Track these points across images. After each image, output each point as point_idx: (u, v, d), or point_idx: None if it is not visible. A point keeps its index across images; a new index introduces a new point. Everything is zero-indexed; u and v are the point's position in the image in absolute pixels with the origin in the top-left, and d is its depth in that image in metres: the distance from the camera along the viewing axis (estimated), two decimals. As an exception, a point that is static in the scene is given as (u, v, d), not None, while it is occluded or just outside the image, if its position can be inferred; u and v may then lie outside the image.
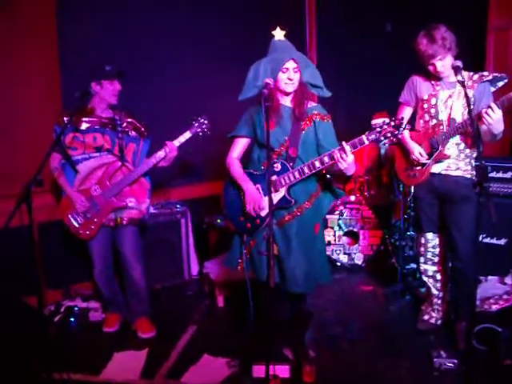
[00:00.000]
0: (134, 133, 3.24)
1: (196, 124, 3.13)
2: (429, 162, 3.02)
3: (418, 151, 3.04)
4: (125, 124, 3.21)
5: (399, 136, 2.45)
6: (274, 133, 2.67)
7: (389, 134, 2.42)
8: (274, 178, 2.68)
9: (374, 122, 4.51)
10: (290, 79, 2.59)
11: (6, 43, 3.57)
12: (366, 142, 2.46)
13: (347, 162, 2.47)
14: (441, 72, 2.87)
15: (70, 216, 3.19)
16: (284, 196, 2.67)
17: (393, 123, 2.40)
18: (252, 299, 2.86)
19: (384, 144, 4.43)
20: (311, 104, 2.75)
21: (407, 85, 3.16)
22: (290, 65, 2.59)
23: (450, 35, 2.79)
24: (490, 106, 2.66)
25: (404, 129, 2.40)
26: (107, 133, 3.16)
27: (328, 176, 2.87)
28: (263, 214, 2.73)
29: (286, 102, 2.72)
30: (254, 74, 2.67)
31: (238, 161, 2.88)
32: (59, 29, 3.75)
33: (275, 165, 2.68)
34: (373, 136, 2.44)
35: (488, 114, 2.66)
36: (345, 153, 2.45)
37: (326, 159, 2.55)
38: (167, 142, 3.13)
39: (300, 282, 2.71)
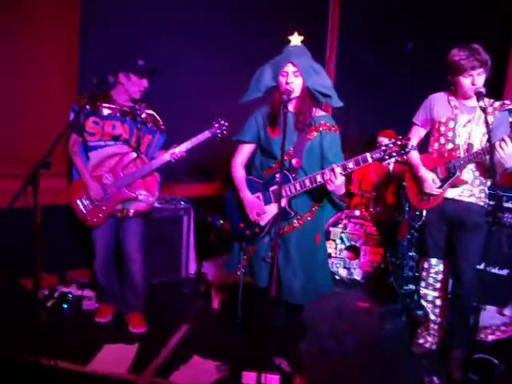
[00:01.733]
0: (151, 124, 3.21)
1: (216, 125, 3.13)
2: (443, 187, 2.97)
3: (431, 178, 2.98)
4: (144, 115, 3.18)
5: (404, 156, 2.39)
6: (277, 140, 2.63)
7: (394, 154, 2.36)
8: (275, 188, 2.66)
9: (379, 139, 4.53)
10: (288, 83, 2.53)
11: (24, 21, 3.56)
12: (370, 161, 2.40)
13: (335, 184, 2.43)
14: (473, 89, 2.76)
15: (78, 201, 3.16)
16: (284, 208, 2.62)
17: (399, 142, 2.34)
18: (241, 305, 2.84)
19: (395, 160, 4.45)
20: (319, 113, 2.68)
21: (424, 105, 3.10)
22: (289, 68, 2.53)
23: (488, 55, 2.74)
24: (503, 139, 2.62)
25: (410, 149, 2.34)
26: (127, 122, 3.13)
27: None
28: (262, 222, 2.70)
29: (292, 108, 2.64)
30: (257, 77, 2.66)
31: (241, 167, 2.84)
32: (82, 11, 3.74)
33: (277, 175, 2.65)
34: (377, 155, 2.38)
35: (501, 147, 2.62)
36: (334, 174, 2.42)
37: (319, 177, 2.51)
38: (174, 145, 3.12)
39: (297, 295, 2.70)
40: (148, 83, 3.11)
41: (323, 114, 2.71)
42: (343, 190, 2.58)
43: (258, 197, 2.71)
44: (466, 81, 2.80)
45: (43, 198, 2.54)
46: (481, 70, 2.73)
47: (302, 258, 2.70)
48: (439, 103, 3.01)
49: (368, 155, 2.40)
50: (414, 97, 3.17)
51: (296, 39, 2.63)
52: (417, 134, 3.16)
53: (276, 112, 2.63)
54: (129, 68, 3.04)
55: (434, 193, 2.99)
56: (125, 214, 3.18)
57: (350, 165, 2.42)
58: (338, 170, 2.42)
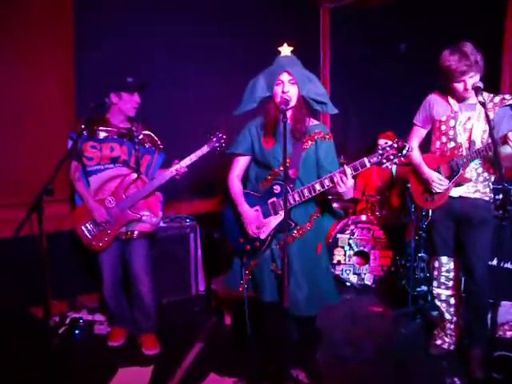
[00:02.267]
0: (149, 145, 3.22)
1: (214, 139, 3.10)
2: (449, 185, 2.96)
3: (436, 177, 2.97)
4: (141, 136, 3.19)
5: (402, 158, 2.38)
6: (271, 151, 2.63)
7: (391, 157, 2.35)
8: (273, 200, 2.64)
9: (379, 141, 4.53)
10: (285, 92, 2.52)
11: (20, 42, 3.57)
12: (368, 165, 2.40)
13: (346, 185, 2.42)
14: (468, 91, 2.77)
15: (83, 227, 3.14)
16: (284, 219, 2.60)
17: (395, 145, 2.33)
18: (249, 320, 2.81)
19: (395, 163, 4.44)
20: (313, 122, 2.69)
21: (423, 106, 3.10)
22: (284, 77, 2.53)
23: (479, 53, 2.73)
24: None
25: (408, 151, 2.33)
26: (125, 144, 3.13)
27: (330, 197, 2.83)
28: (263, 236, 2.68)
29: (288, 118, 2.59)
30: (251, 88, 2.65)
31: (238, 180, 2.82)
32: (76, 31, 3.76)
33: (274, 187, 2.64)
34: (374, 159, 2.38)
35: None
36: (345, 176, 2.40)
37: (327, 182, 2.48)
38: (176, 161, 3.12)
39: (301, 306, 2.65)
40: (140, 99, 3.11)
41: (316, 122, 2.71)
42: (352, 194, 2.55)
43: (257, 210, 2.69)
44: (459, 86, 2.81)
45: (48, 225, 2.54)
46: (472, 73, 2.73)
47: (304, 268, 2.67)
48: (438, 102, 3.01)
49: (366, 160, 2.40)
50: (414, 97, 3.17)
51: (286, 50, 2.63)
52: (418, 134, 3.16)
53: (271, 122, 2.63)
54: (118, 87, 3.04)
55: (442, 191, 2.97)
56: (129, 236, 3.16)
57: (348, 171, 2.41)
58: (349, 170, 2.40)
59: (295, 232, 2.67)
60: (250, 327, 2.83)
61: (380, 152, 2.36)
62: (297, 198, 2.57)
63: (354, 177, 2.44)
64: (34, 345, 2.94)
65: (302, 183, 2.61)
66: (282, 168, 2.58)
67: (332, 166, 2.60)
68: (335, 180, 2.43)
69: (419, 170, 3.09)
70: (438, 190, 2.99)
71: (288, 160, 2.60)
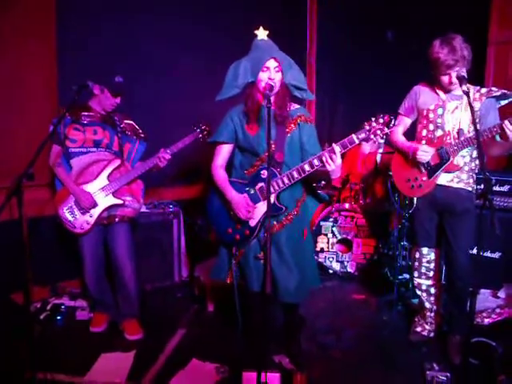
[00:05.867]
0: (130, 133, 3.24)
1: (198, 130, 3.25)
2: (438, 172, 2.96)
3: (422, 148, 2.94)
4: (123, 124, 3.21)
5: (388, 132, 2.40)
6: (256, 137, 2.63)
7: (378, 132, 2.37)
8: (262, 185, 2.63)
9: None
10: (271, 79, 2.51)
11: (3, 39, 3.51)
12: (356, 141, 2.41)
13: (336, 163, 2.43)
14: (453, 84, 2.80)
15: (65, 209, 3.10)
16: (274, 203, 2.59)
17: (381, 120, 2.36)
18: (239, 308, 2.81)
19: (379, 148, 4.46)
20: (294, 106, 2.70)
21: (409, 96, 3.11)
22: (271, 64, 2.52)
23: (467, 46, 2.75)
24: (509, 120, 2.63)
25: (394, 126, 2.37)
26: (107, 129, 3.14)
27: (314, 185, 2.85)
28: (253, 223, 2.67)
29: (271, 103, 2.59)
30: (233, 73, 2.61)
31: (222, 169, 2.80)
32: (58, 27, 3.71)
33: (262, 172, 2.63)
34: (362, 135, 2.40)
35: (509, 128, 2.62)
36: (334, 154, 2.42)
37: (316, 162, 2.49)
38: (162, 149, 3.15)
39: (292, 292, 2.67)
40: (120, 100, 3.13)
41: (298, 106, 2.73)
42: (339, 173, 2.56)
43: (245, 197, 2.67)
44: (444, 78, 2.83)
45: (29, 209, 2.51)
46: (457, 68, 2.74)
47: (293, 255, 2.69)
48: (425, 92, 3.02)
49: (354, 136, 2.42)
50: (402, 84, 3.18)
51: (262, 33, 2.61)
52: (402, 123, 3.17)
53: (254, 108, 2.62)
54: (104, 82, 3.04)
55: (427, 159, 2.94)
56: (111, 220, 3.15)
57: (337, 148, 2.42)
58: (338, 148, 2.42)
59: (284, 218, 2.68)
60: (241, 317, 2.84)
61: (367, 128, 2.39)
62: (286, 181, 2.57)
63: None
64: (15, 331, 2.91)
65: (288, 167, 2.61)
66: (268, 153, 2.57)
67: (314, 148, 2.63)
68: (324, 159, 2.44)
69: (401, 146, 3.10)
70: (424, 159, 2.95)
71: (273, 144, 2.60)
